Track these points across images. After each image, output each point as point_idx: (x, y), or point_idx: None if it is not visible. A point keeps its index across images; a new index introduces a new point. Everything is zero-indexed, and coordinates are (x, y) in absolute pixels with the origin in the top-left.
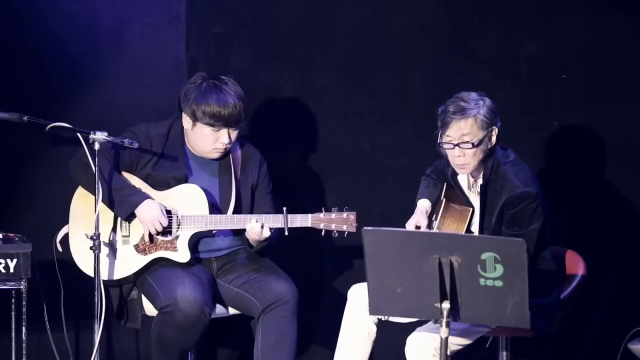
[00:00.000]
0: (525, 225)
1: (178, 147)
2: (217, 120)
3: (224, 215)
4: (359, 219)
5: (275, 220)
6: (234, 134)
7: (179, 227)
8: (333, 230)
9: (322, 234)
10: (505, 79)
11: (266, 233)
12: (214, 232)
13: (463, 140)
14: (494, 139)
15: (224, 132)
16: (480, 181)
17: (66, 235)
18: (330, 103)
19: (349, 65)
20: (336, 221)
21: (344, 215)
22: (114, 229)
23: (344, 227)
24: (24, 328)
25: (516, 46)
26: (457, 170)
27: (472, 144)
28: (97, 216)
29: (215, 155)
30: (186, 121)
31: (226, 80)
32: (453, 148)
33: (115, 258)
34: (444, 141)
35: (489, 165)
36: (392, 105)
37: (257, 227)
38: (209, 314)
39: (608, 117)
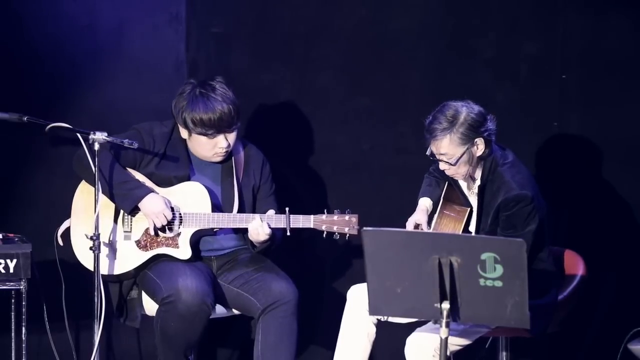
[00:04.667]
0: (520, 227)
1: (181, 147)
2: (209, 128)
3: (226, 213)
4: (360, 221)
5: (278, 221)
6: (231, 136)
7: (180, 224)
8: (335, 232)
9: (324, 235)
10: (505, 79)
11: (266, 230)
12: (215, 230)
13: (443, 157)
14: (480, 147)
15: (220, 137)
16: (478, 182)
17: (67, 230)
18: (330, 103)
19: (349, 65)
20: (338, 223)
21: (346, 217)
22: (115, 224)
23: (346, 230)
24: (23, 328)
25: (516, 46)
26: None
27: (450, 163)
28: (97, 217)
29: (218, 159)
30: (182, 132)
31: (214, 85)
32: (439, 161)
33: (116, 253)
34: (432, 153)
35: (486, 167)
36: (392, 105)
37: (259, 226)
38: (210, 305)
39: (608, 117)
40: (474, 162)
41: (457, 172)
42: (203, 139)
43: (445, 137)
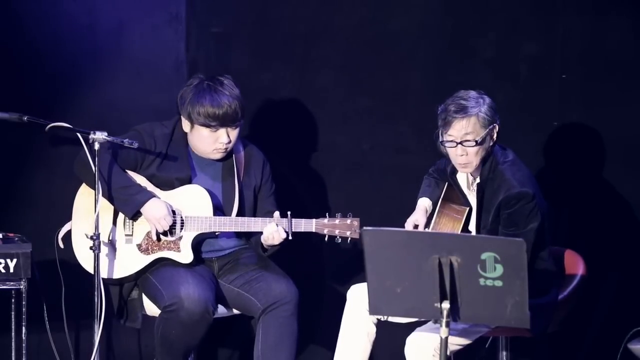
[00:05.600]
0: (522, 225)
1: (182, 147)
2: (212, 120)
3: (227, 217)
4: (362, 225)
5: (279, 224)
6: (233, 133)
7: (182, 228)
8: (336, 236)
9: (326, 239)
10: (505, 79)
11: (282, 234)
12: (217, 233)
13: (466, 138)
14: (495, 136)
15: (222, 132)
16: (478, 180)
17: (68, 232)
18: (330, 103)
19: (349, 65)
20: (340, 227)
21: (348, 221)
22: (117, 228)
23: (347, 233)
24: (24, 328)
25: (516, 46)
26: (458, 169)
27: (476, 141)
28: (97, 216)
29: (217, 155)
30: (185, 124)
31: (222, 80)
32: (456, 146)
33: (116, 257)
34: (446, 140)
35: (487, 165)
36: (392, 105)
37: (275, 231)
38: (212, 312)
39: (608, 117)
40: (487, 151)
41: (472, 161)
42: (205, 132)
43: (472, 115)
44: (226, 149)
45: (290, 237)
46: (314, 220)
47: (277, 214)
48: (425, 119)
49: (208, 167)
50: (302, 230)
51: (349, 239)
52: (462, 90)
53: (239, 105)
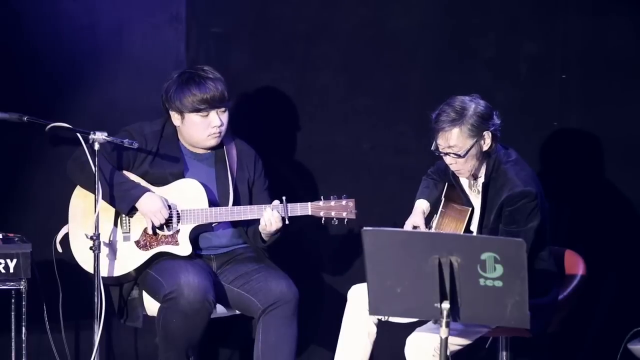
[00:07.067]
0: (522, 223)
1: (173, 143)
2: (202, 104)
3: (224, 207)
4: (357, 205)
5: (276, 209)
6: (223, 115)
7: (179, 221)
8: (333, 218)
9: (322, 221)
10: (505, 79)
11: (279, 217)
12: (214, 225)
13: (451, 150)
14: (487, 142)
15: (213, 115)
16: (481, 180)
17: (66, 235)
18: (330, 103)
19: (349, 65)
20: (335, 208)
21: (343, 202)
22: (114, 226)
23: (344, 214)
24: (23, 328)
25: (516, 46)
26: (455, 173)
27: (459, 155)
28: (97, 216)
29: (212, 142)
30: (175, 118)
31: (201, 67)
32: (445, 155)
33: (116, 255)
34: (437, 148)
35: (490, 164)
36: (392, 105)
37: (271, 216)
38: (212, 302)
39: (608, 117)
40: (480, 157)
41: (464, 168)
42: (197, 118)
43: (455, 128)
44: (220, 132)
45: (287, 222)
46: (309, 203)
47: (276, 202)
48: (425, 119)
49: (201, 162)
50: (299, 214)
51: (346, 219)
52: (456, 96)
53: (224, 86)
